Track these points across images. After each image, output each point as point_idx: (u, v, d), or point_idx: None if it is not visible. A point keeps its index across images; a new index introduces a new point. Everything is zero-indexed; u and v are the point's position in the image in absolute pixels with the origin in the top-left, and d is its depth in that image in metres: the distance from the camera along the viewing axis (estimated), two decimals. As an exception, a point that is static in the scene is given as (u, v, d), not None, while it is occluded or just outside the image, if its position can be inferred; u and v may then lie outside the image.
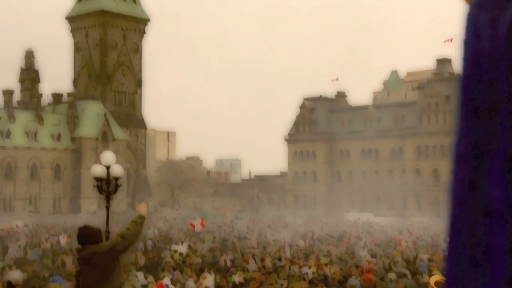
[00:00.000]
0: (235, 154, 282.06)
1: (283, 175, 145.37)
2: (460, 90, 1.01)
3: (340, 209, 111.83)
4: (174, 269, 21.00)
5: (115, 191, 13.94)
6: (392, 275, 20.25)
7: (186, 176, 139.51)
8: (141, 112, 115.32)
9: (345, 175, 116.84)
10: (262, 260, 25.51)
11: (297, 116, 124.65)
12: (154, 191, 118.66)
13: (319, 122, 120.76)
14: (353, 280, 18.87)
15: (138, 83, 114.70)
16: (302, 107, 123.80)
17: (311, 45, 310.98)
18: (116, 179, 13.89)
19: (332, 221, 78.57)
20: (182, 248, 29.05)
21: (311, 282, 18.33)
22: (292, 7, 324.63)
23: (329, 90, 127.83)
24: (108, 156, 13.94)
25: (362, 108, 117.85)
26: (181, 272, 20.28)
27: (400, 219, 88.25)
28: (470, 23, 1.01)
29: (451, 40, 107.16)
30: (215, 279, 18.38)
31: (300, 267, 22.53)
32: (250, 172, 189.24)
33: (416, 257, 28.18)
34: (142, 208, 8.35)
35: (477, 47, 1.00)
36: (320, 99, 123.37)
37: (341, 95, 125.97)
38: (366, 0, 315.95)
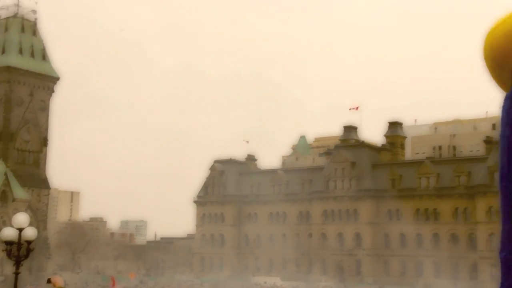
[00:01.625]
0: (140, 216, 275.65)
1: (190, 237, 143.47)
2: (499, 181, 1.02)
3: (246, 272, 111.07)
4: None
5: (27, 255, 13.10)
6: None
7: (89, 238, 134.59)
8: (45, 171, 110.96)
9: (252, 238, 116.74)
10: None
11: (206, 178, 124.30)
12: (54, 253, 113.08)
13: (229, 184, 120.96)
14: None
15: (44, 141, 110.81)
16: (212, 169, 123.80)
17: (221, 109, 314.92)
18: (29, 242, 13.08)
19: (239, 285, 77.68)
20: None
21: None
22: (202, 72, 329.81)
23: (239, 153, 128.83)
24: (21, 218, 13.14)
25: (271, 172, 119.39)
26: None
27: (306, 283, 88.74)
28: (504, 115, 1.04)
29: (357, 108, 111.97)
30: None
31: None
32: (155, 234, 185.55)
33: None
34: (59, 281, 7.84)
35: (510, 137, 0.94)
36: (230, 162, 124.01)
37: (250, 159, 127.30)
38: (274, 69, 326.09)
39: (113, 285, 36.22)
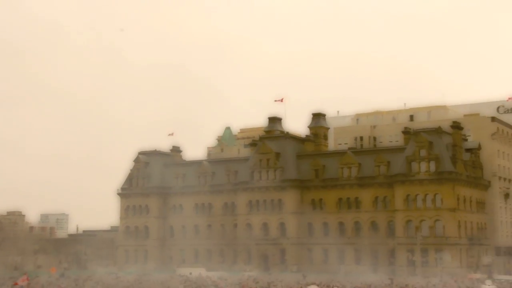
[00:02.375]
0: (61, 209, 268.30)
1: (113, 230, 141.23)
2: None
3: (171, 264, 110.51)
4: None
5: None
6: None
7: (6, 233, 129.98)
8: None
9: (177, 229, 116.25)
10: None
11: (131, 170, 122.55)
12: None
13: (153, 176, 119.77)
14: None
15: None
16: (137, 161, 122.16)
17: (147, 99, 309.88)
18: None
19: (163, 277, 77.14)
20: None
21: None
22: (128, 60, 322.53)
23: (164, 144, 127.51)
24: None
25: (196, 163, 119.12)
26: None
27: (231, 273, 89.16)
28: None
29: (281, 100, 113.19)
30: None
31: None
32: (77, 227, 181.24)
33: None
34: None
35: None
36: (154, 153, 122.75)
37: (175, 150, 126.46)
38: (199, 61, 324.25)
39: (24, 280, 34.99)
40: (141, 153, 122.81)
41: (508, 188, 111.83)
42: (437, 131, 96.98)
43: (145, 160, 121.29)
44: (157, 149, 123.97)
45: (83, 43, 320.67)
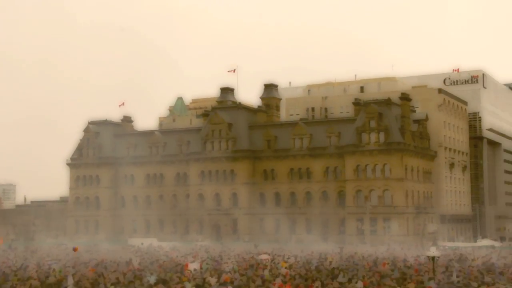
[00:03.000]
0: (8, 179, 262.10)
1: (63, 200, 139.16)
2: None
3: (123, 234, 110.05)
4: None
5: None
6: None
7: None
8: None
9: (129, 200, 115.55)
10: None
11: (80, 140, 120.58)
12: None
13: (104, 146, 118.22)
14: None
15: None
16: (86, 130, 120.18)
17: (96, 64, 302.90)
18: None
19: (115, 247, 76.84)
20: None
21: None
22: (75, 21, 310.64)
23: (114, 114, 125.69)
24: None
25: (148, 133, 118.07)
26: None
27: (183, 243, 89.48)
28: None
29: (234, 71, 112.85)
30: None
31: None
32: (25, 198, 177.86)
33: (204, 281, 28.78)
34: None
35: None
36: (105, 123, 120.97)
37: (126, 120, 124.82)
38: (150, 27, 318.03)
39: None
40: (91, 122, 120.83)
41: (453, 158, 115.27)
42: (387, 102, 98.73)
43: (95, 130, 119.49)
44: (108, 119, 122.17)
45: (28, 2, 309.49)
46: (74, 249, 51.65)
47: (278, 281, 28.12)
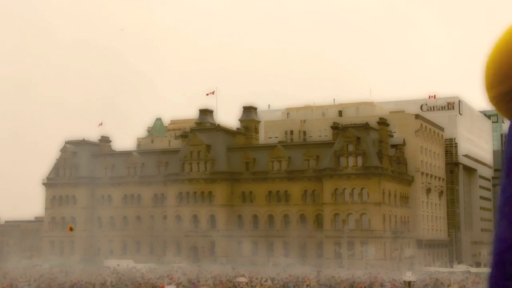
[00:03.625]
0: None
1: (38, 220, 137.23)
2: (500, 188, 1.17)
3: (99, 255, 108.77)
4: None
5: None
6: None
7: None
8: None
9: (106, 220, 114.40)
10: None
11: (57, 160, 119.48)
12: None
13: (81, 166, 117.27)
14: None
15: None
16: (63, 150, 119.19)
17: (71, 86, 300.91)
18: None
19: (91, 268, 75.97)
20: None
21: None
22: (54, 36, 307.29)
23: (92, 134, 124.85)
24: None
25: (126, 154, 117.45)
26: None
27: (160, 265, 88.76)
28: (508, 134, 1.25)
29: (213, 93, 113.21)
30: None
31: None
32: (0, 218, 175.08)
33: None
34: None
35: (507, 153, 1.23)
36: (82, 143, 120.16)
37: (104, 140, 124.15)
38: (129, 48, 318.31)
39: None
40: (68, 142, 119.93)
41: (430, 183, 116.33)
42: (365, 127, 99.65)
43: (73, 150, 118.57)
44: (85, 139, 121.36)
45: (5, 16, 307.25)
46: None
47: None
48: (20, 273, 63.00)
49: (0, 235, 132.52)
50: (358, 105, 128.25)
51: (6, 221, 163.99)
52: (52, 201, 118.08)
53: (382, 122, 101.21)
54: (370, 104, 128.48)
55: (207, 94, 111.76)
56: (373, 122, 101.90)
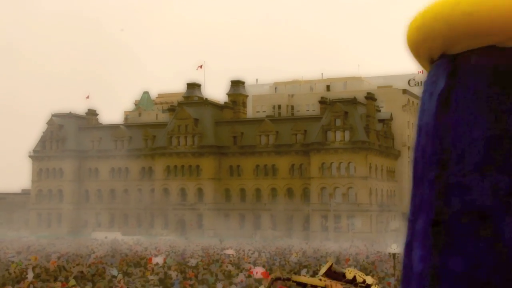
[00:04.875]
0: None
1: (25, 193, 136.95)
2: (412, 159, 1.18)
3: (86, 228, 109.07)
4: None
5: None
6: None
7: None
8: None
9: (93, 193, 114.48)
10: (4, 285, 23.88)
11: (44, 132, 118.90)
12: None
13: (68, 139, 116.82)
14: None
15: None
16: (50, 123, 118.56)
17: (57, 58, 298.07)
18: None
19: (78, 240, 76.24)
20: None
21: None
22: (39, 10, 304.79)
23: (79, 107, 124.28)
24: None
25: (113, 127, 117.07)
26: None
27: (147, 237, 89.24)
28: (421, 100, 1.17)
29: (201, 67, 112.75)
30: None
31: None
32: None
33: (167, 275, 28.90)
34: None
35: (420, 120, 1.17)
36: (69, 116, 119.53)
37: (91, 113, 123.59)
38: (114, 21, 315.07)
39: None
40: (55, 115, 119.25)
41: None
42: (352, 101, 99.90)
43: (59, 123, 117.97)
44: (72, 112, 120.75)
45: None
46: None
47: (259, 269, 28.29)
48: (7, 245, 63.06)
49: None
50: (346, 80, 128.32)
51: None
52: (39, 174, 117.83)
53: (370, 97, 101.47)
54: (358, 79, 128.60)
55: (196, 68, 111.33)
56: (361, 97, 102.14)
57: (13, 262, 37.82)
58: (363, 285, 4.77)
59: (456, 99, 1.03)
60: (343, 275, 4.82)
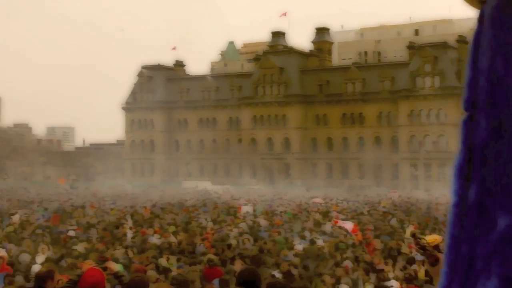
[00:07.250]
0: (68, 122, 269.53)
1: (119, 143, 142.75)
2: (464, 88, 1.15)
3: (177, 177, 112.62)
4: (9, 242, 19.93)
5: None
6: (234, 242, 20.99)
7: (14, 144, 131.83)
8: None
9: (183, 144, 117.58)
10: (104, 229, 25.05)
11: (134, 84, 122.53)
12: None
13: (157, 90, 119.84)
14: (202, 248, 19.28)
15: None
16: (140, 75, 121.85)
17: (147, 13, 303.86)
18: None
19: (170, 189, 78.92)
20: (15, 219, 27.67)
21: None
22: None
23: (167, 59, 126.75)
24: None
25: (200, 78, 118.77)
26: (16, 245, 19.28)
27: (236, 186, 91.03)
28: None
29: (285, 14, 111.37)
30: (53, 251, 17.65)
31: (143, 236, 22.48)
32: (84, 141, 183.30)
33: (254, 223, 29.41)
34: None
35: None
36: (158, 68, 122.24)
37: (179, 64, 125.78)
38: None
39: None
40: (144, 67, 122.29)
41: None
42: (443, 45, 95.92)
43: (149, 74, 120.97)
44: (160, 63, 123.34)
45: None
46: None
47: (349, 224, 28.21)
48: (105, 193, 66.27)
49: (86, 157, 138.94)
50: (435, 23, 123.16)
51: (91, 144, 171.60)
52: (132, 125, 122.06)
53: (462, 40, 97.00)
54: (449, 22, 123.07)
55: (279, 16, 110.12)
56: (451, 41, 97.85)
57: (112, 208, 39.74)
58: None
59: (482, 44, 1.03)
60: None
